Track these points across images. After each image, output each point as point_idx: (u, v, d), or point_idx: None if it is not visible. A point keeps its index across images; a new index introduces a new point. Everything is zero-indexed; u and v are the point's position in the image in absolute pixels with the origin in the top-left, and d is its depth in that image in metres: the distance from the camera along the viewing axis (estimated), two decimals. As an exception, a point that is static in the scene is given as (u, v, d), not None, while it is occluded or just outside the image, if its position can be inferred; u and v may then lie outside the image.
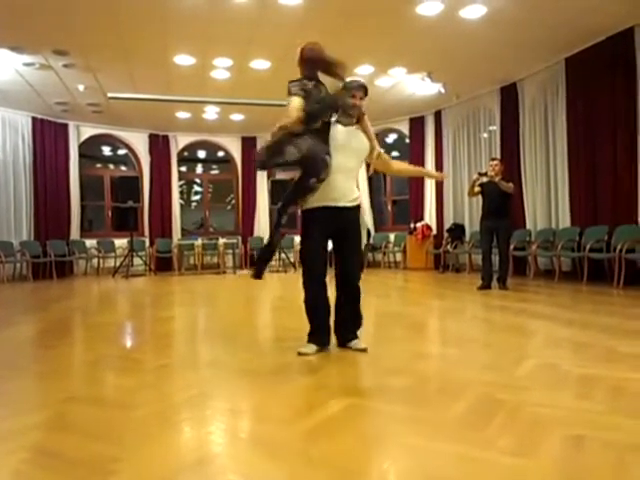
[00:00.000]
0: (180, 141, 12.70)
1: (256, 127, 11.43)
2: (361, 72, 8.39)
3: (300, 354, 3.14)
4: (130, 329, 4.78)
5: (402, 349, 3.40)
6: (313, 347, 3.19)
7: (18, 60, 7.53)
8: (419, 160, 11.32)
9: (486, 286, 6.66)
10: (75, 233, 11.33)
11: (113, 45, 7.17)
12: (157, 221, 12.36)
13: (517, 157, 8.86)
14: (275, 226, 3.37)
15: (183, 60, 7.83)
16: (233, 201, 14.02)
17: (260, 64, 7.95)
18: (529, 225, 8.70)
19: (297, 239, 8.69)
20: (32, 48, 7.15)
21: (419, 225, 11.00)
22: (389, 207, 12.84)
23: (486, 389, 2.39)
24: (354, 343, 3.28)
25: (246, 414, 2.26)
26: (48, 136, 10.78)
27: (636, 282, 6.44)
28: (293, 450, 1.78)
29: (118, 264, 10.99)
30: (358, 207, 3.34)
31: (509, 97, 9.06)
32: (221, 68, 8.23)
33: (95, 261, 11.60)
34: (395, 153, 13.65)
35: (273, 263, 11.90)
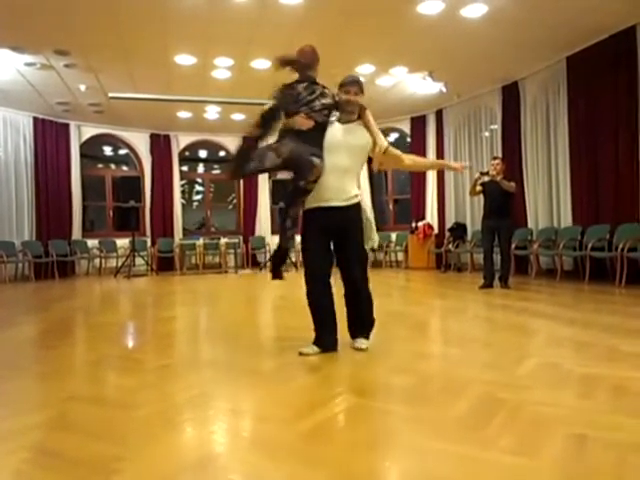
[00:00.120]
0: (181, 141, 12.71)
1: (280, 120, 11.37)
2: (362, 71, 8.40)
3: (301, 354, 3.14)
4: (132, 329, 4.79)
5: (403, 348, 3.40)
6: (315, 348, 3.19)
7: (19, 60, 7.54)
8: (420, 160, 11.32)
9: (488, 285, 6.66)
10: (77, 233, 11.34)
11: (114, 45, 7.18)
12: (159, 221, 12.37)
13: (519, 156, 8.85)
14: (280, 229, 3.39)
15: (184, 60, 7.83)
16: (234, 201, 14.02)
17: (261, 64, 7.95)
18: (531, 224, 8.69)
19: (298, 239, 8.81)
20: (33, 48, 7.16)
21: (421, 224, 10.99)
22: (390, 206, 12.83)
23: (487, 388, 2.38)
24: (356, 341, 3.28)
25: (247, 414, 2.26)
26: (49, 136, 10.80)
27: (638, 281, 6.42)
28: (294, 450, 1.78)
29: (120, 264, 11.00)
30: (355, 206, 3.24)
31: (510, 96, 9.05)
32: (222, 68, 8.23)
33: (97, 261, 11.62)
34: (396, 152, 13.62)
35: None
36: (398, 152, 3.40)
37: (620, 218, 6.85)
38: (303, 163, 3.11)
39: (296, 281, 3.38)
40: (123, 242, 11.69)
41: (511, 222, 6.85)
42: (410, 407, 2.18)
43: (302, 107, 3.19)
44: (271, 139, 3.25)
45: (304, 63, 3.31)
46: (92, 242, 11.61)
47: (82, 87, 8.88)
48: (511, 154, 8.83)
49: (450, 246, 10.18)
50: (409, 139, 11.75)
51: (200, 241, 12.04)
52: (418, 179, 11.50)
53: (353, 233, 3.25)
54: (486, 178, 6.74)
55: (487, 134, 9.96)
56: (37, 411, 2.27)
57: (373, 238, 3.35)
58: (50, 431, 2.01)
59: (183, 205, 13.35)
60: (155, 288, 8.69)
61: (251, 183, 12.94)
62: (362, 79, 3.34)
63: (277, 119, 3.20)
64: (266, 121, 3.18)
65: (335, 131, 3.22)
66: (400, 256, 11.77)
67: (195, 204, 16.86)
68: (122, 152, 13.01)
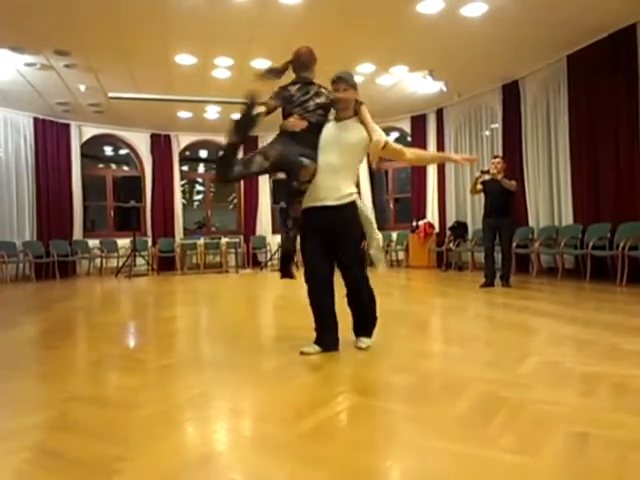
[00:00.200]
0: (182, 141, 12.71)
1: (258, 127, 11.39)
2: (362, 70, 8.40)
3: (302, 353, 3.14)
4: (133, 329, 4.79)
5: (405, 347, 3.39)
6: (316, 347, 3.19)
7: (19, 60, 7.54)
8: (421, 158, 11.31)
9: (489, 284, 6.66)
10: (78, 233, 11.34)
11: (114, 45, 7.18)
12: (159, 221, 12.37)
13: (519, 155, 8.84)
14: (281, 229, 3.40)
15: (184, 60, 7.83)
16: (235, 200, 14.03)
17: (261, 63, 7.94)
18: (532, 223, 8.68)
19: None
20: (33, 48, 7.16)
21: (421, 223, 10.98)
22: (391, 205, 12.83)
23: (489, 387, 2.38)
24: (358, 340, 3.29)
25: (248, 413, 2.26)
26: (50, 136, 10.80)
27: (639, 279, 6.42)
28: (295, 449, 1.78)
29: (121, 264, 11.00)
30: (349, 204, 3.17)
31: (511, 95, 9.04)
32: (222, 67, 8.23)
33: (98, 261, 11.62)
34: (397, 147, 13.62)
35: (274, 262, 11.93)
36: (399, 146, 3.34)
37: (621, 216, 6.85)
38: (292, 164, 3.13)
39: (297, 281, 3.38)
40: (124, 242, 11.70)
41: (512, 221, 6.85)
42: (411, 406, 2.18)
43: (295, 108, 3.21)
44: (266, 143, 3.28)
45: (299, 63, 3.33)
46: (93, 242, 11.62)
47: (82, 87, 8.88)
48: (512, 153, 8.83)
49: (451, 245, 10.18)
50: (409, 138, 11.73)
51: (201, 241, 12.05)
52: (419, 178, 11.50)
53: (347, 232, 3.18)
54: (487, 177, 6.74)
55: (488, 133, 9.95)
56: (38, 411, 2.27)
57: (374, 237, 3.32)
58: (51, 431, 2.01)
59: (184, 205, 13.36)
60: (156, 288, 8.69)
61: (252, 183, 12.94)
62: (351, 74, 3.24)
63: (251, 124, 3.18)
64: (240, 127, 3.18)
65: (328, 130, 3.20)
66: (401, 255, 11.77)
67: (196, 204, 16.89)
68: (123, 152, 13.02)
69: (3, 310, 6.21)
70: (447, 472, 1.59)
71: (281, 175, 3.58)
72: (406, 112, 11.26)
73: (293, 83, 3.29)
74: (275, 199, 12.53)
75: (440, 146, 10.92)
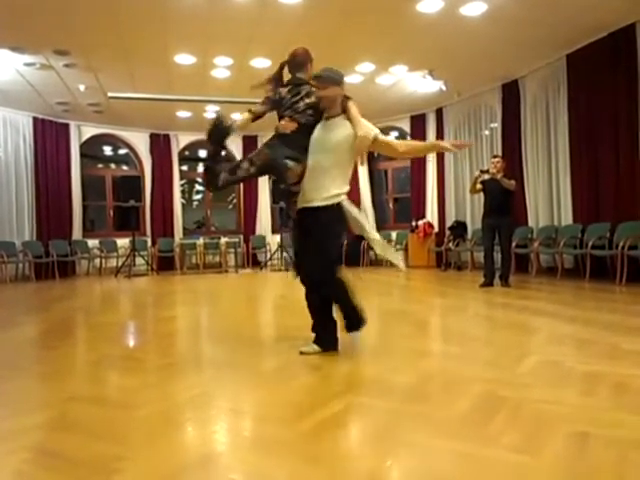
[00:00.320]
0: (181, 140, 12.70)
1: (257, 126, 11.35)
2: (362, 70, 8.41)
3: (302, 353, 3.14)
4: (133, 329, 4.79)
5: (404, 347, 3.40)
6: (315, 347, 3.19)
7: (19, 60, 7.53)
8: (420, 158, 11.32)
9: (488, 283, 6.66)
10: (77, 233, 11.34)
11: (113, 45, 7.17)
12: (159, 220, 12.37)
13: (519, 154, 8.84)
14: (282, 224, 3.42)
15: (183, 59, 7.82)
16: (235, 200, 14.02)
17: (260, 62, 7.94)
18: (531, 222, 8.69)
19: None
20: (33, 48, 7.15)
21: (421, 223, 10.98)
22: (390, 205, 12.83)
23: (489, 386, 2.38)
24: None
25: (248, 413, 2.26)
26: (49, 136, 10.80)
27: (639, 279, 6.42)
28: (295, 449, 1.78)
29: (120, 264, 11.00)
30: (332, 205, 3.07)
31: (510, 94, 9.04)
32: (221, 67, 8.23)
33: (97, 261, 11.62)
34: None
35: (275, 262, 11.94)
36: (389, 139, 3.23)
37: (620, 216, 6.85)
38: (277, 168, 3.14)
39: (297, 281, 3.37)
40: (123, 242, 11.70)
41: (511, 220, 6.85)
42: (411, 405, 2.18)
43: (286, 110, 3.21)
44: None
45: (294, 64, 3.33)
46: (92, 242, 11.61)
47: (82, 87, 8.87)
48: (511, 152, 8.83)
49: (450, 244, 10.18)
50: (409, 138, 11.72)
51: (200, 241, 12.03)
52: (418, 178, 11.50)
53: (315, 231, 3.11)
54: (486, 176, 6.74)
55: (487, 132, 9.95)
56: (38, 411, 2.27)
57: (370, 237, 3.22)
58: (51, 431, 2.01)
59: (183, 205, 13.35)
60: (155, 288, 8.69)
61: (251, 183, 12.93)
62: (333, 71, 3.14)
63: (224, 134, 3.19)
64: (213, 139, 3.21)
65: (317, 130, 3.17)
66: (400, 255, 11.75)
67: (195, 203, 16.87)
68: (122, 152, 13.01)
69: (3, 310, 6.21)
70: (448, 471, 1.59)
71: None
72: (406, 111, 11.26)
73: (285, 84, 3.29)
74: (275, 199, 12.54)
75: (440, 145, 10.90)
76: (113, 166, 13.85)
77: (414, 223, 11.15)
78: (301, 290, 3.30)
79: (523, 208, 8.69)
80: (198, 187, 16.43)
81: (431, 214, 11.20)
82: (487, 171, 6.77)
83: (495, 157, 6.95)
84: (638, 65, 6.68)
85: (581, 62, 7.50)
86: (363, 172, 12.14)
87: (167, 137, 12.49)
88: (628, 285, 6.29)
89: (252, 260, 12.78)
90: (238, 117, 3.38)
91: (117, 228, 12.42)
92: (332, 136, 3.11)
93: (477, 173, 6.93)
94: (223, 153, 3.27)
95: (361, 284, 8.06)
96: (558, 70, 8.01)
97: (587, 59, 7.38)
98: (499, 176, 6.56)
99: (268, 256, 12.50)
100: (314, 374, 2.80)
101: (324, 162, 3.10)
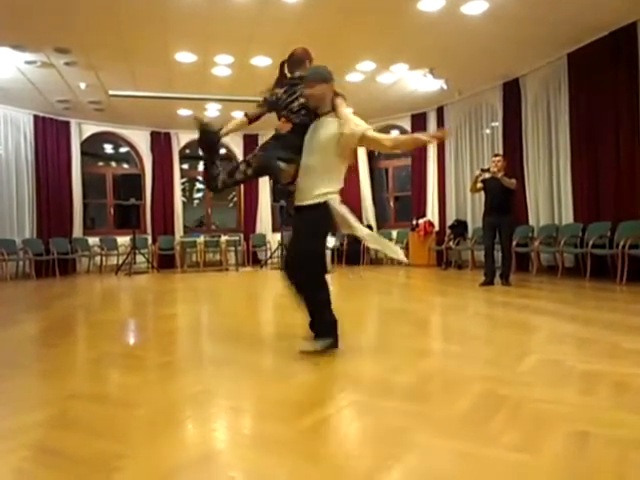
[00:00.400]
0: (182, 138, 12.70)
1: (258, 125, 11.36)
2: (363, 68, 8.40)
3: (302, 351, 3.13)
4: (133, 327, 4.79)
5: (405, 345, 3.40)
6: (316, 345, 3.18)
7: (20, 58, 7.53)
8: (421, 157, 11.34)
9: (489, 282, 6.66)
10: (78, 231, 11.34)
11: (114, 43, 7.17)
12: (159, 218, 12.37)
13: (519, 153, 8.83)
14: (282, 222, 3.44)
15: (184, 57, 7.82)
16: (235, 199, 14.02)
17: (261, 61, 7.94)
18: (532, 221, 8.68)
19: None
20: (34, 46, 7.15)
21: (421, 222, 10.98)
22: (391, 203, 12.83)
23: (489, 385, 2.38)
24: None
25: (248, 411, 2.26)
26: (50, 134, 10.80)
27: (639, 278, 6.42)
28: (295, 447, 1.78)
29: (121, 262, 11.01)
30: (319, 204, 3.04)
31: (511, 93, 9.03)
32: (222, 65, 8.22)
33: (98, 259, 11.62)
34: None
35: (275, 260, 11.94)
36: (376, 135, 3.11)
37: (621, 215, 6.85)
38: (272, 169, 3.15)
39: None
40: (124, 240, 11.70)
41: (512, 219, 6.84)
42: (411, 404, 2.18)
43: (283, 111, 3.22)
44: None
45: (292, 62, 3.34)
46: (93, 240, 11.62)
47: (82, 85, 8.87)
48: (512, 151, 8.82)
49: (451, 243, 10.18)
50: (410, 136, 11.73)
51: (201, 239, 12.04)
52: (419, 176, 11.49)
53: (299, 227, 3.13)
54: (487, 175, 6.73)
55: (488, 131, 9.94)
56: (38, 409, 2.27)
57: (359, 234, 3.13)
58: (51, 429, 2.01)
59: (184, 203, 13.35)
60: (156, 286, 8.69)
61: (251, 182, 12.93)
62: (319, 68, 3.12)
63: (213, 140, 3.25)
64: (204, 146, 3.26)
65: (309, 131, 3.16)
66: (398, 247, 11.73)
67: (196, 202, 16.86)
68: (123, 150, 13.01)
69: (3, 308, 6.21)
70: (448, 470, 1.59)
71: None
72: (406, 110, 11.25)
73: (282, 85, 3.29)
74: (275, 198, 12.53)
75: (440, 144, 10.90)
76: (114, 164, 13.84)
77: (415, 222, 11.14)
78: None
79: (524, 207, 8.68)
80: (199, 185, 16.42)
81: (432, 213, 11.19)
82: (488, 170, 6.77)
83: (496, 156, 6.94)
84: (639, 64, 6.67)
85: (582, 61, 7.49)
86: (364, 170, 12.15)
87: (168, 135, 12.49)
88: (629, 284, 6.29)
89: (252, 258, 12.79)
90: (239, 115, 3.39)
91: (118, 226, 12.42)
92: (317, 136, 3.10)
93: (478, 172, 6.93)
94: (220, 151, 3.32)
95: (361, 283, 8.07)
96: (559, 69, 8.00)
97: (588, 58, 7.37)
98: (500, 175, 6.55)
99: (268, 254, 12.50)
100: (314, 372, 2.80)
101: (311, 161, 3.10)
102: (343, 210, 3.09)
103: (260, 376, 2.76)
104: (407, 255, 11.30)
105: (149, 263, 11.40)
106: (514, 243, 7.49)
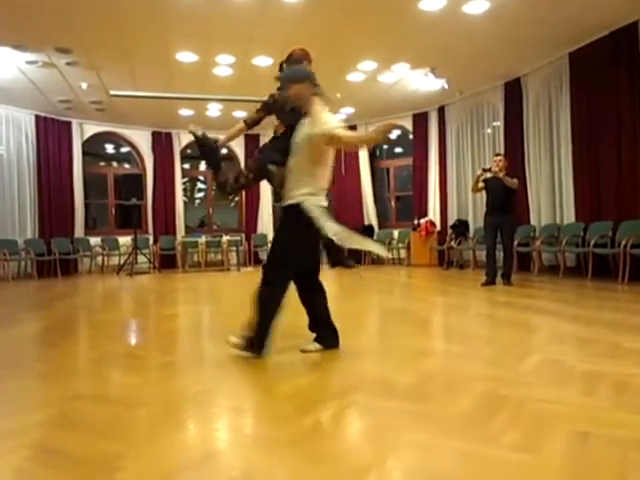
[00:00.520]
0: (183, 138, 12.69)
1: (259, 125, 11.41)
2: (364, 68, 8.40)
3: (303, 351, 3.14)
4: (134, 327, 4.79)
5: (406, 345, 3.39)
6: (317, 345, 3.19)
7: (21, 58, 7.54)
8: (422, 156, 11.33)
9: (490, 282, 6.65)
10: (79, 231, 11.36)
11: (115, 43, 7.18)
12: (161, 218, 12.38)
13: (521, 153, 8.82)
14: None
15: (185, 57, 7.82)
16: (237, 199, 14.02)
17: (262, 60, 7.94)
18: (533, 221, 8.67)
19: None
20: (35, 46, 7.16)
21: (423, 221, 10.97)
22: (393, 203, 12.82)
23: (490, 385, 2.38)
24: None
25: (249, 411, 2.26)
26: (51, 134, 10.81)
27: (641, 277, 6.42)
28: (296, 447, 1.78)
29: (122, 262, 11.02)
30: (292, 205, 3.00)
31: (513, 92, 9.02)
32: (223, 65, 8.23)
33: (99, 259, 11.63)
34: (399, 149, 13.64)
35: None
36: (343, 134, 2.90)
37: (623, 215, 6.84)
38: (265, 173, 3.22)
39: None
40: (125, 240, 11.71)
41: (513, 219, 6.84)
42: (412, 404, 2.18)
43: (278, 112, 3.24)
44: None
45: (291, 62, 3.35)
46: (94, 240, 11.63)
47: (84, 85, 8.88)
48: (513, 150, 8.82)
49: (452, 243, 10.17)
50: (411, 136, 11.74)
51: (202, 239, 12.04)
52: (420, 176, 11.48)
53: (277, 231, 3.22)
54: (488, 174, 6.73)
55: (489, 131, 9.94)
56: (39, 409, 2.27)
57: (331, 237, 2.94)
58: (52, 429, 2.01)
59: (185, 203, 13.36)
60: (157, 286, 8.70)
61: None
62: (295, 70, 3.08)
63: (213, 151, 3.33)
64: (206, 158, 3.31)
65: (295, 134, 3.12)
66: (402, 253, 11.76)
67: (197, 202, 16.89)
68: (124, 150, 13.03)
69: (5, 308, 6.22)
70: (449, 469, 1.59)
71: None
72: (408, 110, 11.25)
73: (278, 88, 3.29)
74: (275, 198, 12.53)
75: (442, 144, 10.92)
76: (115, 164, 13.86)
77: (416, 221, 11.14)
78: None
79: (525, 206, 8.67)
80: (200, 185, 16.44)
81: (433, 212, 11.19)
82: (489, 169, 6.77)
83: (497, 155, 6.93)
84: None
85: (583, 60, 7.49)
86: (365, 170, 12.14)
87: (169, 135, 12.49)
88: (630, 284, 6.28)
89: (254, 258, 12.79)
90: (241, 115, 3.41)
91: (119, 226, 12.44)
92: (295, 137, 3.07)
93: (479, 171, 6.92)
94: (222, 152, 3.34)
95: (362, 283, 8.07)
96: (560, 68, 8.00)
97: (589, 57, 7.37)
98: (501, 174, 6.55)
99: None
100: (315, 372, 2.81)
101: (291, 163, 3.07)
102: (317, 212, 2.94)
103: (261, 376, 2.76)
104: (409, 255, 11.31)
105: (150, 263, 11.41)
106: (516, 243, 7.49)
